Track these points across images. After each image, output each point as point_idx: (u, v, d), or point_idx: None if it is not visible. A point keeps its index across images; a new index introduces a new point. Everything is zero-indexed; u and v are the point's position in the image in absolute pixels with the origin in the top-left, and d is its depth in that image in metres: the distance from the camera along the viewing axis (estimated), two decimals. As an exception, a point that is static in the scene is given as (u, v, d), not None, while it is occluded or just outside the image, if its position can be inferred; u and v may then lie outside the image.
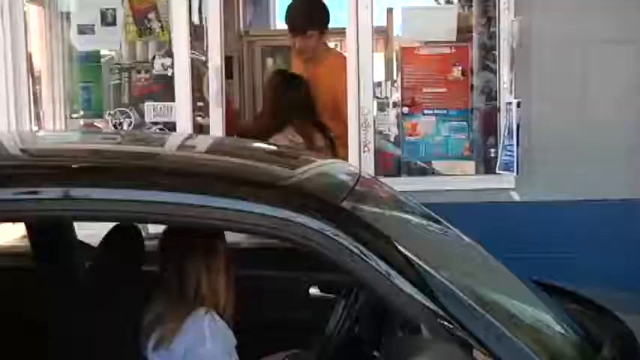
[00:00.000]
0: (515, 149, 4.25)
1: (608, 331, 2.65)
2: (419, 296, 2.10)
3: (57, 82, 5.02)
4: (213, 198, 2.17)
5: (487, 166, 4.67)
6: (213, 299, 2.51)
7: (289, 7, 5.09)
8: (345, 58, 4.72)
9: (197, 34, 4.86)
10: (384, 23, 5.84)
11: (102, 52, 4.90)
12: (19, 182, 2.17)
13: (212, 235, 2.54)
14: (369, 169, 4.26)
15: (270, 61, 6.56)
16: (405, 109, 4.56)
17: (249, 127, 5.04)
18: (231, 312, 2.61)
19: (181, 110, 4.53)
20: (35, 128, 4.73)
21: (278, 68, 6.07)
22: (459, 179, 4.70)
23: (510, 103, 4.28)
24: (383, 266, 2.11)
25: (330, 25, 4.98)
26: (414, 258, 2.20)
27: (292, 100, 4.67)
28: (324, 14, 4.94)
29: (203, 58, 4.71)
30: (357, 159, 4.44)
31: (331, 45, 6.23)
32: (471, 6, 4.84)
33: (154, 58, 4.74)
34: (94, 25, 4.64)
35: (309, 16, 4.86)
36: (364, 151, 4.47)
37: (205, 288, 2.50)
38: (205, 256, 2.53)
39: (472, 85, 4.61)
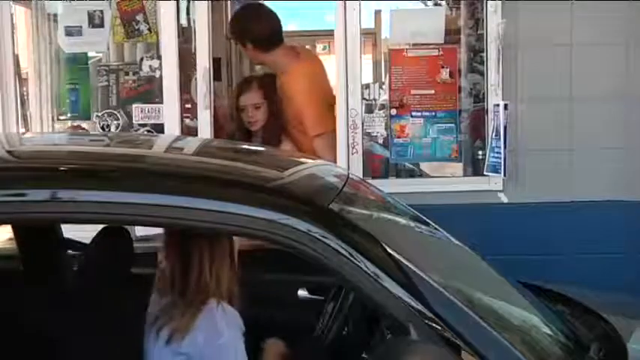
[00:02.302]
0: (502, 151, 4.26)
1: (595, 332, 2.67)
2: (407, 298, 2.11)
3: (44, 83, 4.99)
4: (201, 200, 2.17)
5: (475, 167, 4.68)
6: (219, 288, 2.48)
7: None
8: (312, 65, 4.61)
9: (185, 35, 4.85)
10: (372, 25, 5.86)
11: (89, 54, 4.88)
12: (6, 185, 2.16)
13: None
14: (357, 170, 4.26)
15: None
16: (394, 111, 4.56)
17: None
18: (236, 298, 2.59)
19: (169, 112, 4.52)
20: (22, 130, 4.71)
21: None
22: (447, 181, 4.70)
23: (498, 105, 4.29)
24: (371, 268, 2.12)
25: (319, 27, 4.91)
26: (401, 259, 2.21)
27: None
28: (252, 32, 4.47)
29: (191, 60, 4.70)
30: (346, 161, 4.44)
31: (320, 47, 6.20)
32: (459, 8, 4.85)
33: (141, 59, 4.73)
34: (81, 26, 4.62)
35: (239, 28, 4.59)
36: (352, 153, 4.48)
37: (210, 277, 2.46)
38: (209, 246, 2.49)
39: (460, 87, 4.62)
